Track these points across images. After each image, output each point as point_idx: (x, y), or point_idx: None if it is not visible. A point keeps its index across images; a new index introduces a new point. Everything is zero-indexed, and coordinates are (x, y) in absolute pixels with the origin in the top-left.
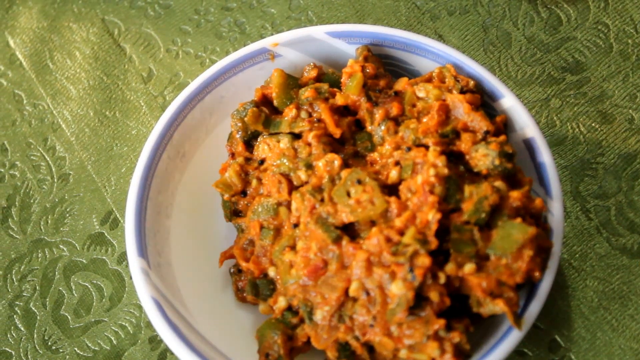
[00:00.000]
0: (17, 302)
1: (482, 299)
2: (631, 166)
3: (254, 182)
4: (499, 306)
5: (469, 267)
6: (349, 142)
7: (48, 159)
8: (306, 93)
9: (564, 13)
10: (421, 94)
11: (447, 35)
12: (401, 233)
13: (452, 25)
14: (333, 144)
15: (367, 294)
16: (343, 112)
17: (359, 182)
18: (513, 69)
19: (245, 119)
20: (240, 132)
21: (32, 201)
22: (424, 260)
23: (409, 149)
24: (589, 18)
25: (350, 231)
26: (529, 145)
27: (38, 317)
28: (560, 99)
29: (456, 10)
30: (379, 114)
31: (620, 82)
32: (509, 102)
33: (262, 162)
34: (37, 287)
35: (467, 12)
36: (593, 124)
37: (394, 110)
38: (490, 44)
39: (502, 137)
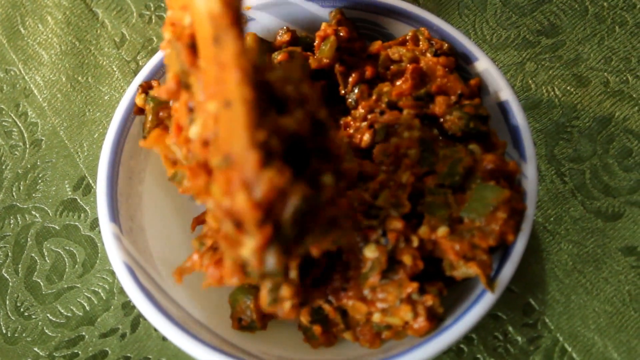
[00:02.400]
0: None
1: (455, 262)
2: (606, 129)
3: None
4: (472, 269)
5: (442, 230)
6: None
7: (20, 125)
8: (279, 56)
9: None
10: (395, 57)
11: None
12: (374, 196)
13: None
14: None
15: None
16: (316, 75)
17: None
18: (488, 32)
19: None
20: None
21: (3, 167)
22: (397, 224)
23: (383, 112)
24: None
25: None
26: (503, 108)
27: (10, 284)
28: (536, 62)
29: None
30: (352, 77)
31: (595, 45)
32: (483, 65)
33: None
34: (9, 254)
35: None
36: (568, 88)
37: (368, 73)
38: (465, 7)
39: (477, 100)
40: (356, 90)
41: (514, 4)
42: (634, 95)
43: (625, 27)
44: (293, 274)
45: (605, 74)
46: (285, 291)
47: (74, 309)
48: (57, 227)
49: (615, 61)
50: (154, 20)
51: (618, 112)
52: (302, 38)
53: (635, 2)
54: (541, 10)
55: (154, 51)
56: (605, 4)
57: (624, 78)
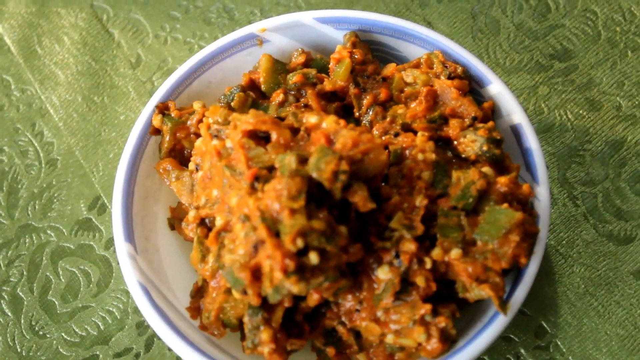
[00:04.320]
0: (4, 288)
1: (468, 284)
2: (618, 153)
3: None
4: (485, 291)
5: (456, 253)
6: None
7: (36, 144)
8: (294, 78)
9: (553, 1)
10: (409, 80)
11: (435, 22)
12: (388, 218)
13: (440, 12)
14: None
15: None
16: (331, 97)
17: None
18: (501, 56)
19: (232, 103)
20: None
21: (19, 186)
22: (410, 246)
23: (397, 134)
24: (577, 5)
25: None
26: (516, 131)
27: (25, 303)
28: (548, 86)
29: None
30: (366, 99)
31: (608, 69)
32: (496, 88)
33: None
34: (25, 273)
35: None
36: (581, 111)
37: (382, 95)
38: (479, 31)
39: (490, 123)
40: (371, 113)
41: (527, 28)
42: None
43: (638, 52)
44: (275, 319)
45: (618, 98)
46: (264, 335)
47: (89, 328)
48: (72, 246)
49: (627, 85)
50: (169, 42)
51: (630, 136)
52: (316, 60)
53: None
54: (554, 34)
55: (169, 72)
56: (618, 28)
57: (637, 102)
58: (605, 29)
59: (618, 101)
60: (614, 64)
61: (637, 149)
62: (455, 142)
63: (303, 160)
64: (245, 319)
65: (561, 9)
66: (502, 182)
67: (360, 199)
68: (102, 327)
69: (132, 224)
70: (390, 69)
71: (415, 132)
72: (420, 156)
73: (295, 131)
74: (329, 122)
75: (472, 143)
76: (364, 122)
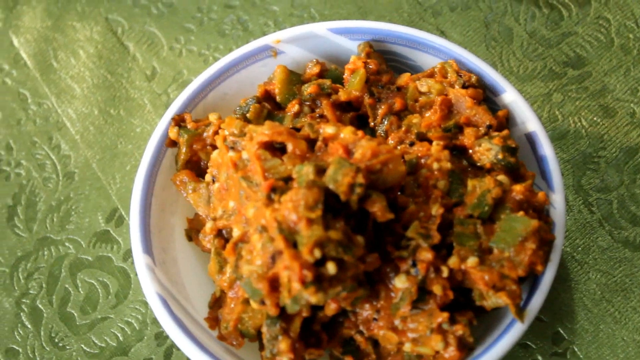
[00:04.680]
0: (23, 300)
1: (485, 292)
2: (633, 159)
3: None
4: (501, 299)
5: (472, 261)
6: None
7: (53, 158)
8: (309, 89)
9: (565, 8)
10: (423, 89)
11: (449, 31)
12: (405, 227)
13: (454, 21)
14: None
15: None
16: (346, 107)
17: None
18: (515, 64)
19: (248, 114)
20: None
21: (37, 199)
22: (427, 255)
23: (412, 143)
24: (590, 13)
25: None
26: (531, 139)
27: (45, 315)
28: (562, 93)
29: (458, 6)
30: (381, 109)
31: (621, 76)
32: (510, 96)
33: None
34: (44, 285)
35: (468, 8)
36: (595, 118)
37: (397, 105)
38: (492, 39)
39: (505, 132)
40: (386, 122)
41: (540, 36)
42: None
43: None
44: (293, 328)
45: (632, 105)
46: (283, 344)
47: (108, 340)
48: (90, 258)
49: None
50: (184, 54)
51: None
52: (331, 70)
53: None
54: (567, 42)
55: (184, 84)
56: (631, 35)
57: None
58: (618, 35)
59: (632, 108)
60: (628, 70)
61: None
62: (471, 151)
63: (320, 171)
64: (264, 329)
65: (574, 16)
66: (518, 190)
67: (379, 209)
68: (121, 338)
69: (149, 235)
70: (404, 78)
71: (430, 142)
72: (435, 165)
73: (311, 142)
74: (347, 133)
75: (487, 151)
76: (379, 131)
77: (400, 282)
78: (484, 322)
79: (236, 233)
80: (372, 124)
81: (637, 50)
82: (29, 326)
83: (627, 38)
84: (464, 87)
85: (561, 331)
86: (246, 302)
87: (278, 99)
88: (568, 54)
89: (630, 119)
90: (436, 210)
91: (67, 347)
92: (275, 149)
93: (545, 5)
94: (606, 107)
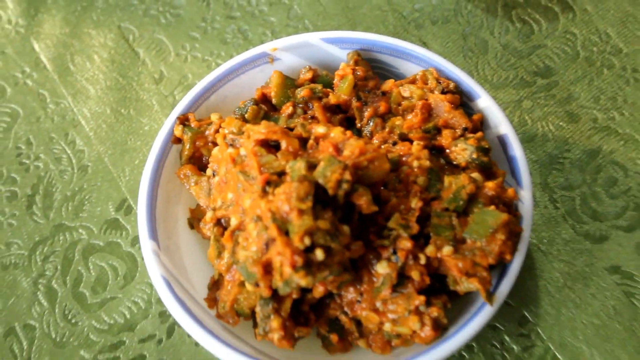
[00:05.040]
0: (40, 280)
1: (458, 278)
2: (595, 161)
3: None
4: (473, 284)
5: (447, 250)
6: None
7: (69, 152)
8: (302, 93)
9: (536, 23)
10: (406, 94)
11: (430, 42)
12: (387, 219)
13: (434, 33)
14: None
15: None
16: (335, 110)
17: None
18: (489, 73)
19: (246, 115)
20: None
21: (54, 190)
22: (406, 243)
23: (395, 143)
24: (558, 28)
25: None
26: (502, 141)
27: (59, 294)
28: (532, 100)
29: (439, 20)
30: (367, 112)
31: (585, 85)
32: (485, 102)
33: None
34: (59, 267)
35: (448, 21)
36: (561, 123)
37: (382, 108)
38: (469, 50)
39: (479, 134)
40: (371, 124)
41: (512, 47)
42: (619, 131)
43: (613, 70)
44: (284, 309)
45: (595, 111)
46: (274, 323)
47: (116, 317)
48: (101, 243)
49: (603, 100)
50: (189, 59)
51: (605, 146)
52: (322, 76)
53: (622, 48)
54: (537, 53)
55: (189, 87)
56: (595, 48)
57: (611, 115)
58: (584, 49)
59: (595, 114)
60: (591, 80)
61: (611, 157)
62: (448, 151)
63: (312, 167)
64: (257, 309)
65: (544, 30)
66: (490, 187)
67: (365, 202)
68: (128, 316)
69: (155, 223)
70: (389, 84)
71: (411, 142)
72: (415, 163)
73: (303, 140)
74: (337, 133)
75: (462, 151)
76: (365, 132)
77: (381, 268)
78: (457, 305)
79: (234, 222)
80: (359, 125)
81: (600, 62)
82: (45, 304)
83: (592, 51)
84: (442, 92)
85: (527, 314)
86: (242, 284)
87: (274, 101)
88: (538, 64)
89: (592, 124)
90: (415, 203)
91: (79, 323)
92: (270, 146)
93: (518, 20)
94: (571, 113)
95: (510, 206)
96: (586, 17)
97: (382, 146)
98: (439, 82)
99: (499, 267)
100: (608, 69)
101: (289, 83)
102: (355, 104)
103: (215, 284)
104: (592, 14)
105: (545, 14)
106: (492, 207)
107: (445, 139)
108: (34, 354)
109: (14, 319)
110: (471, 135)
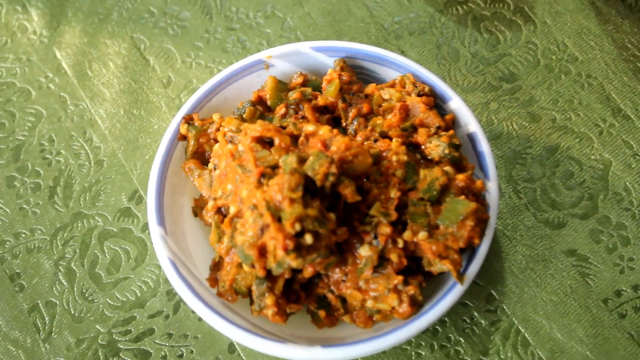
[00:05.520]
0: (61, 262)
1: (432, 260)
2: (553, 156)
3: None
4: (446, 266)
5: (422, 235)
6: None
7: (87, 148)
8: (294, 95)
9: (502, 34)
10: (386, 97)
11: (408, 51)
12: (368, 207)
13: (412, 43)
14: None
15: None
16: (323, 110)
17: None
18: (460, 78)
19: (244, 115)
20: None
21: (73, 182)
22: (386, 229)
23: (376, 140)
24: (521, 38)
25: None
26: (471, 138)
27: (77, 274)
28: (498, 102)
29: (415, 31)
30: (352, 112)
31: (545, 89)
32: (456, 104)
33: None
34: (77, 251)
35: (424, 32)
36: (523, 123)
37: (364, 109)
38: (442, 58)
39: (451, 132)
40: (355, 123)
41: (481, 56)
42: (575, 130)
43: (569, 76)
44: (277, 287)
45: (553, 112)
46: (268, 300)
47: (128, 295)
48: (115, 229)
49: (561, 102)
50: (194, 66)
51: (563, 143)
52: (312, 81)
53: (577, 56)
54: (502, 61)
55: (194, 90)
56: (553, 57)
57: (568, 116)
58: (544, 57)
59: (554, 115)
60: (550, 85)
61: (568, 153)
62: (423, 147)
63: (302, 161)
64: (253, 288)
65: (508, 41)
66: (460, 179)
67: (349, 192)
68: (138, 294)
69: (163, 212)
70: (371, 88)
71: (390, 139)
72: (394, 158)
73: (294, 137)
74: (325, 130)
75: (436, 147)
76: (349, 130)
77: (364, 251)
78: (431, 284)
79: (232, 210)
80: (344, 124)
81: (559, 69)
82: (65, 283)
83: (551, 59)
84: (418, 95)
85: (493, 293)
86: (239, 265)
87: (269, 103)
88: (503, 71)
89: (551, 124)
90: (394, 193)
91: (95, 301)
92: (265, 142)
93: (486, 31)
94: (533, 114)
95: (478, 196)
96: (546, 29)
97: (365, 143)
98: (416, 86)
99: (469, 250)
100: (565, 75)
101: (282, 87)
102: (341, 105)
103: (216, 266)
104: (551, 26)
105: (510, 26)
106: (463, 197)
107: (420, 136)
108: (55, 327)
109: (37, 296)
110: (444, 133)
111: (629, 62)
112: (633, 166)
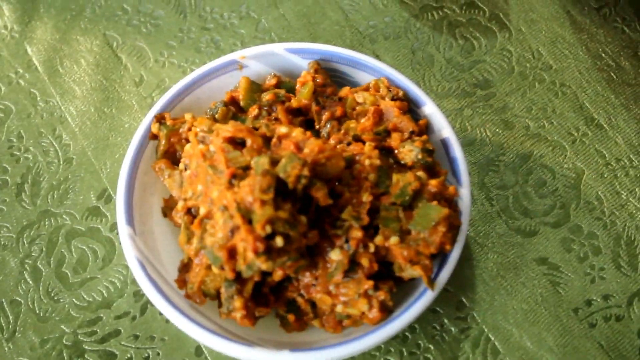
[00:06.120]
0: (26, 261)
1: (403, 265)
2: (526, 164)
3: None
4: (417, 271)
5: (394, 240)
6: None
7: (56, 146)
8: (267, 97)
9: (477, 41)
10: (360, 100)
11: (382, 55)
12: (340, 211)
13: (387, 47)
14: None
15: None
16: (296, 113)
17: None
18: (434, 84)
19: (216, 115)
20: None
21: (41, 179)
22: (357, 233)
23: (349, 143)
24: (496, 45)
25: None
26: (445, 143)
27: (43, 273)
28: (472, 109)
29: (390, 36)
30: (325, 115)
31: (519, 97)
32: (430, 109)
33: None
34: (44, 249)
35: (399, 37)
36: (497, 130)
37: (338, 112)
38: (417, 63)
39: (424, 137)
40: (328, 126)
41: (455, 62)
42: (548, 138)
43: (543, 84)
44: (247, 290)
45: (527, 120)
46: (237, 303)
47: (95, 295)
48: (83, 228)
49: (534, 110)
50: (167, 65)
51: (536, 151)
52: (285, 82)
53: (552, 64)
54: (477, 67)
55: (166, 90)
56: (528, 64)
57: (541, 124)
58: (518, 64)
59: (527, 122)
60: (524, 92)
61: (541, 161)
62: (396, 151)
63: (274, 162)
64: (222, 290)
65: (483, 47)
66: (433, 184)
67: (321, 195)
68: (105, 295)
69: (132, 211)
70: (345, 91)
71: (364, 142)
72: (367, 162)
73: (266, 139)
74: (298, 133)
75: (409, 152)
76: (322, 133)
77: (335, 255)
78: (402, 290)
79: (202, 211)
80: (317, 127)
81: (533, 76)
82: (30, 282)
83: (525, 67)
84: (392, 99)
85: (464, 300)
86: (209, 267)
87: (241, 104)
88: (477, 77)
89: (525, 132)
90: (366, 197)
91: (61, 300)
92: (237, 143)
93: (461, 37)
94: (506, 121)
95: (451, 202)
96: (521, 37)
97: (338, 146)
98: (390, 90)
99: (440, 257)
100: (539, 83)
101: (255, 88)
102: (314, 108)
103: (185, 267)
104: (526, 34)
105: (485, 33)
106: (435, 203)
107: (394, 140)
108: (19, 327)
109: (1, 295)
110: (417, 138)
111: (603, 71)
112: (605, 175)
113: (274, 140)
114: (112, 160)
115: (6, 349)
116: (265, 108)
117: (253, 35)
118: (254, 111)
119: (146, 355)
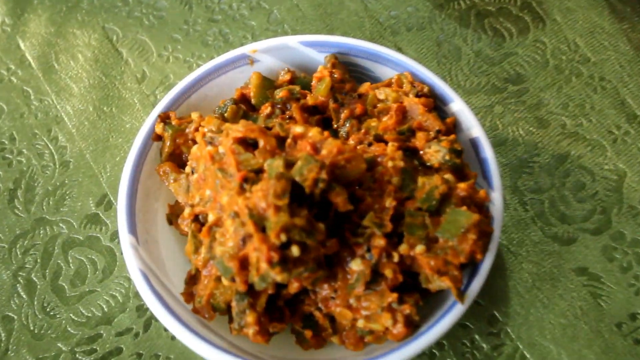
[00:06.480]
0: (20, 273)
1: (430, 276)
2: (563, 165)
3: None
4: (445, 283)
5: (420, 248)
6: None
7: (51, 148)
8: (280, 93)
9: (507, 31)
10: (381, 97)
11: (405, 48)
12: (361, 217)
13: (409, 39)
14: None
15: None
16: (312, 111)
17: None
18: (462, 78)
19: (225, 114)
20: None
21: (36, 184)
22: (380, 241)
23: (370, 144)
24: (529, 37)
25: None
26: (474, 143)
27: (38, 287)
28: (503, 105)
29: (414, 27)
30: (344, 113)
31: (555, 92)
32: (457, 106)
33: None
34: (38, 260)
35: (423, 28)
36: (531, 128)
37: (358, 110)
38: (443, 56)
39: (452, 136)
40: (347, 125)
41: (485, 55)
42: (587, 137)
43: (581, 78)
44: (260, 303)
45: (563, 117)
46: (250, 318)
47: (94, 310)
48: (81, 237)
49: (571, 107)
50: (171, 60)
51: (573, 151)
52: (300, 78)
53: (590, 57)
54: (508, 61)
55: (170, 87)
56: (564, 57)
57: (579, 122)
58: (553, 57)
59: (563, 120)
60: (560, 87)
61: (579, 162)
62: (421, 152)
63: (289, 165)
64: (233, 304)
65: (515, 39)
66: (462, 188)
67: (341, 201)
68: (106, 309)
69: (134, 218)
70: (365, 87)
71: (386, 143)
72: (390, 163)
73: (280, 139)
74: (315, 132)
75: (436, 153)
76: (341, 133)
77: (355, 265)
78: (428, 303)
79: (211, 218)
80: (335, 126)
81: (569, 70)
82: (24, 296)
83: (561, 59)
84: (417, 96)
85: (496, 314)
86: (218, 279)
87: (253, 101)
88: (509, 71)
89: (561, 130)
90: (389, 203)
91: (58, 316)
92: (248, 144)
93: (490, 28)
94: (541, 119)
95: (481, 207)
96: (556, 27)
97: (358, 147)
98: (414, 86)
99: (470, 266)
100: (576, 77)
101: (267, 84)
102: (332, 105)
103: (192, 279)
104: (561, 24)
105: (516, 23)
106: (464, 208)
107: (419, 140)
108: (12, 345)
109: None
110: (444, 137)
111: None
112: None
113: (289, 140)
114: (113, 164)
115: None
116: (279, 106)
117: (265, 27)
118: (266, 109)
119: None
